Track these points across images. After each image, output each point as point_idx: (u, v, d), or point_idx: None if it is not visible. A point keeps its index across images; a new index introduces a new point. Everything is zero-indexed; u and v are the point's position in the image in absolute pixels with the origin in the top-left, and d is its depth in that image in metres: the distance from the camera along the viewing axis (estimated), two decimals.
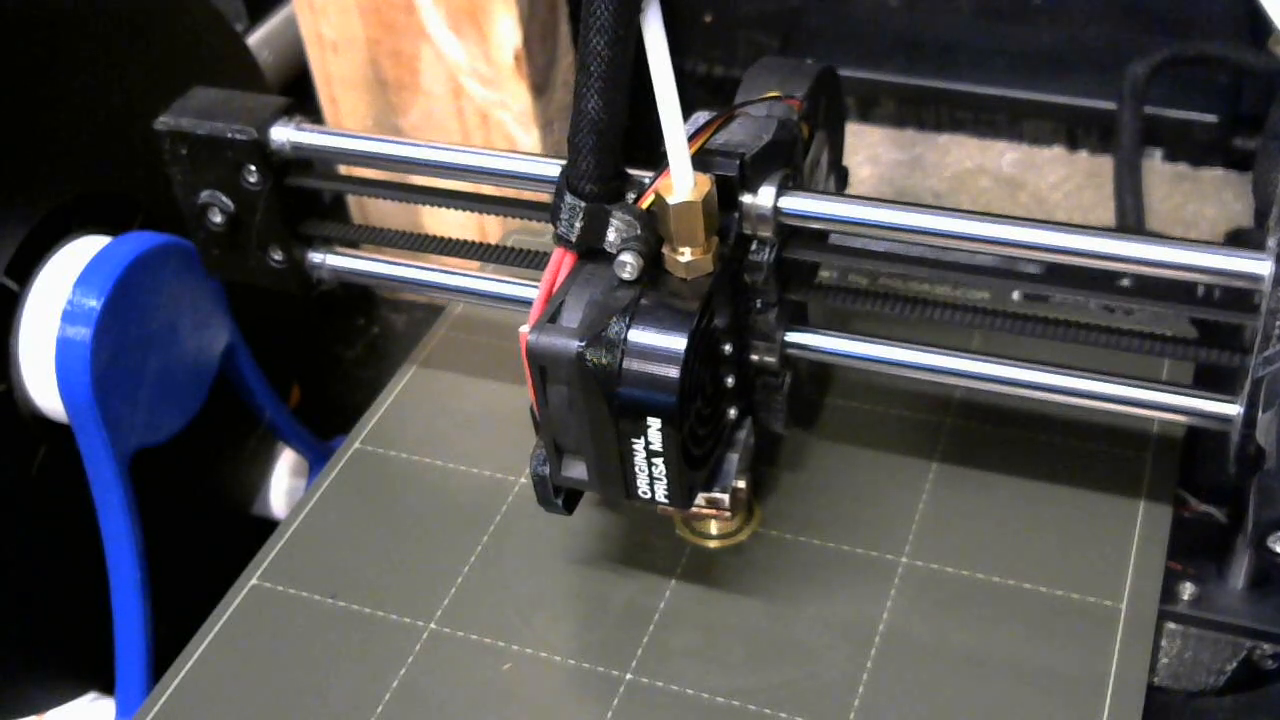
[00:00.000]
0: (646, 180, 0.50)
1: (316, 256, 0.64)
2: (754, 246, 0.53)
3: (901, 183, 1.08)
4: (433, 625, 0.58)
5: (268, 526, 0.64)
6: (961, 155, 0.89)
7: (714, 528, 0.60)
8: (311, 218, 0.64)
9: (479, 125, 0.88)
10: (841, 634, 0.55)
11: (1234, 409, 0.51)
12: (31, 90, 0.66)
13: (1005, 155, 0.89)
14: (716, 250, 0.50)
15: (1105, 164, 0.85)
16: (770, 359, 0.55)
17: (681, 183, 0.48)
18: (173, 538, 0.71)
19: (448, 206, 0.61)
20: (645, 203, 0.49)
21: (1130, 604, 0.55)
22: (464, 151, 0.60)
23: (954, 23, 0.90)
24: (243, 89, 0.63)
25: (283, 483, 0.85)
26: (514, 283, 0.61)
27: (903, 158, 0.90)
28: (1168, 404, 0.53)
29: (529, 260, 0.60)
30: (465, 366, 0.71)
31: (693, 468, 0.50)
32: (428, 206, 0.63)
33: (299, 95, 1.01)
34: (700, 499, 0.52)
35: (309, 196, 0.63)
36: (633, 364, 0.47)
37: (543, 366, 0.48)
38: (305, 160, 0.62)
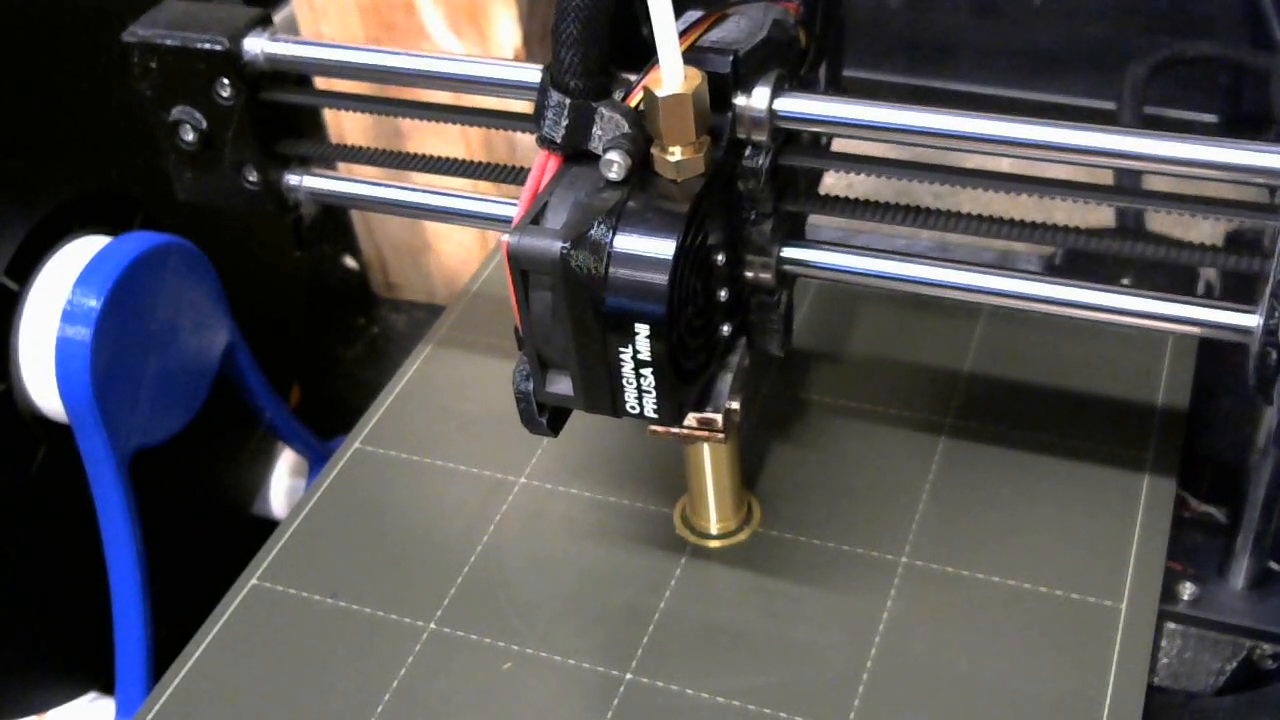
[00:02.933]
0: (634, 80, 0.47)
1: (293, 178, 0.62)
2: (748, 152, 0.50)
3: (902, 182, 1.08)
4: (433, 625, 0.58)
5: (268, 526, 0.64)
6: (961, 155, 0.89)
7: (714, 527, 0.60)
8: (288, 137, 0.61)
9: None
10: (841, 634, 0.55)
11: (1253, 319, 0.49)
12: (31, 90, 0.66)
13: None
14: (708, 151, 0.47)
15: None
16: (766, 275, 0.53)
17: (671, 75, 0.45)
18: (173, 538, 0.71)
19: (428, 119, 0.59)
20: (634, 100, 0.47)
21: (1130, 604, 0.55)
22: (444, 59, 0.57)
23: (954, 23, 0.90)
24: None
25: (283, 483, 0.85)
26: (499, 201, 0.59)
27: (903, 157, 0.90)
28: (1184, 316, 0.50)
29: (513, 176, 0.57)
30: (465, 366, 0.71)
31: (684, 382, 0.48)
32: (410, 137, 0.60)
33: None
34: (692, 419, 0.50)
35: (285, 113, 0.61)
36: (619, 268, 0.45)
37: (524, 271, 0.45)
38: (280, 73, 0.59)
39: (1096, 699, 0.52)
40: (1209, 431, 0.65)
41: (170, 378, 0.69)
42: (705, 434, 0.51)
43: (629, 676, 0.55)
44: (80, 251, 0.66)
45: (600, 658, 0.55)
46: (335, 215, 1.06)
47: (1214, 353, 0.69)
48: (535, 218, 0.46)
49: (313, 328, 0.95)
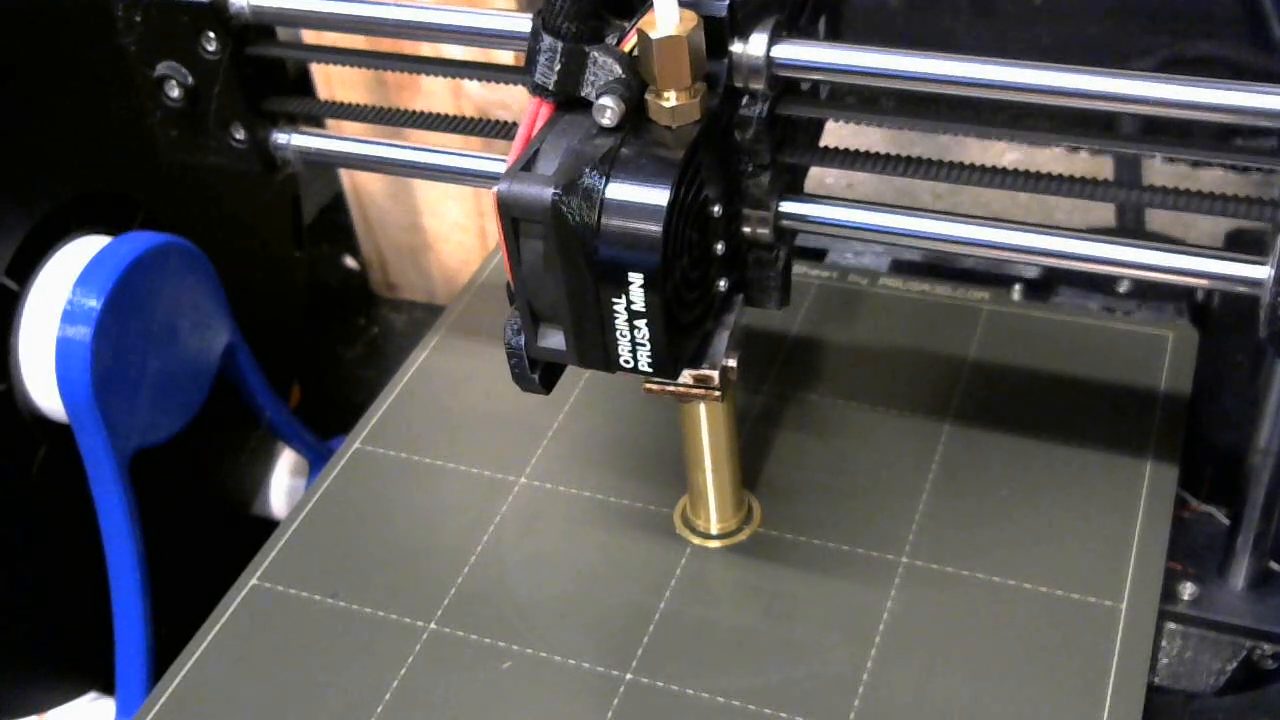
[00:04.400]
0: (628, 25, 0.46)
1: (281, 136, 0.60)
2: (744, 101, 0.49)
3: (902, 182, 1.08)
4: (433, 625, 0.58)
5: (268, 526, 0.64)
6: (961, 155, 0.89)
7: (714, 527, 0.60)
8: (276, 93, 0.60)
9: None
10: (841, 634, 0.55)
11: (1265, 271, 0.48)
12: (31, 90, 0.66)
13: (1005, 155, 0.89)
14: (704, 97, 0.46)
15: (1105, 164, 0.85)
16: (763, 230, 0.52)
17: (666, 16, 0.45)
18: (173, 538, 0.71)
19: (419, 72, 0.58)
20: (628, 45, 0.46)
21: (1130, 604, 0.55)
22: (436, 10, 0.56)
23: (954, 23, 0.90)
24: None
25: (283, 483, 0.85)
26: (490, 158, 0.58)
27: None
28: (1195, 269, 0.49)
29: (506, 131, 0.56)
30: (465, 366, 0.71)
31: (679, 336, 0.47)
32: (401, 99, 0.59)
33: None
34: (688, 376, 0.50)
35: (272, 69, 0.59)
36: (612, 216, 0.44)
37: (515, 219, 0.45)
38: (267, 26, 0.58)
39: (1096, 699, 0.52)
40: (1209, 431, 0.65)
41: (170, 378, 0.69)
42: (701, 391, 0.50)
43: (629, 676, 0.55)
44: (80, 251, 0.66)
45: (600, 658, 0.56)
46: (335, 215, 1.06)
47: (1214, 352, 0.69)
48: (526, 164, 0.45)
49: (313, 328, 0.95)
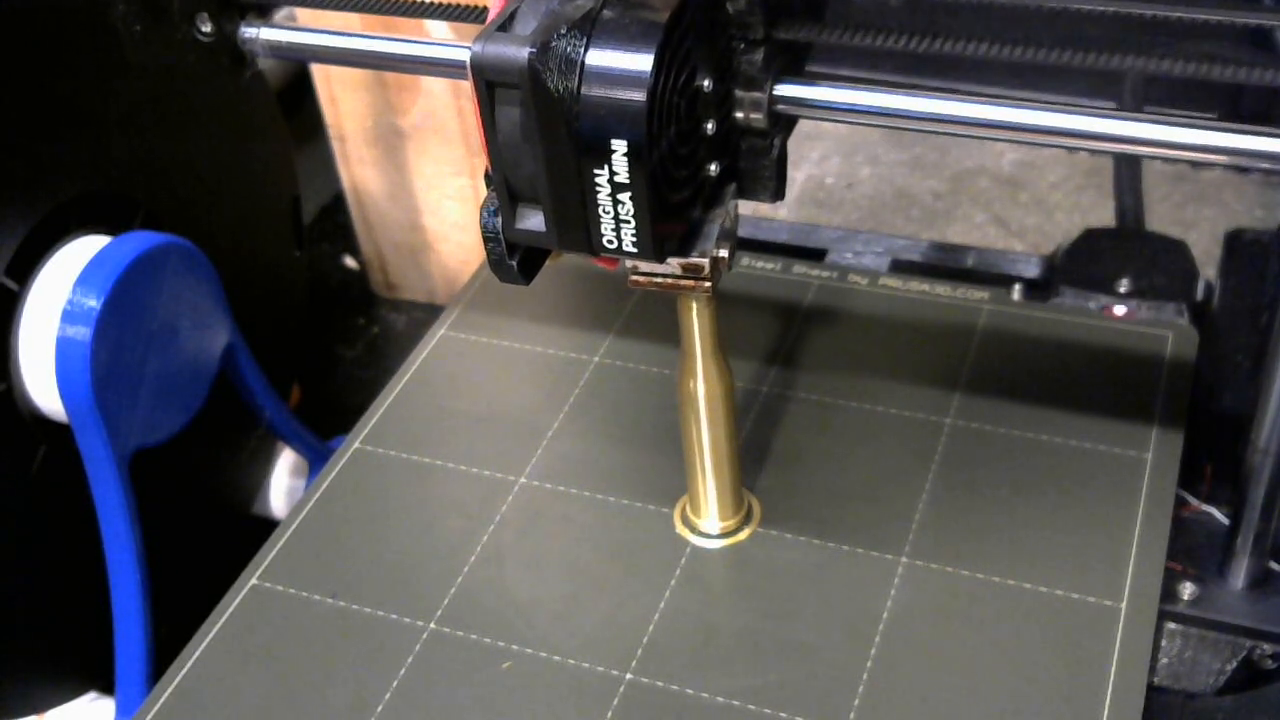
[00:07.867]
0: None
1: (250, 29, 0.59)
2: None
3: (901, 182, 1.08)
4: (433, 625, 0.58)
5: (268, 526, 0.64)
6: (961, 155, 0.89)
7: (714, 527, 0.60)
8: None
9: (479, 125, 0.88)
10: (841, 634, 0.55)
11: None
12: (32, 90, 0.66)
13: (1005, 155, 0.89)
14: None
15: (1105, 164, 0.85)
16: (757, 116, 0.49)
17: None
18: (173, 538, 0.71)
19: None
20: None
21: (1130, 604, 0.55)
22: None
23: (954, 23, 0.90)
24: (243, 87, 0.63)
25: (283, 483, 0.84)
26: (466, 47, 0.54)
27: (903, 158, 0.89)
28: (1216, 144, 0.47)
29: (481, 17, 0.53)
30: (465, 366, 0.71)
31: (666, 215, 0.45)
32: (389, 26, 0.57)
33: (299, 95, 1.01)
34: (676, 265, 0.47)
35: None
36: (593, 80, 0.41)
37: (490, 83, 0.42)
38: None
39: (1096, 699, 0.52)
40: (1209, 431, 0.65)
41: (170, 378, 0.69)
42: (691, 283, 0.48)
43: (629, 676, 0.55)
44: (80, 251, 0.66)
45: (600, 658, 0.56)
46: (335, 215, 1.06)
47: (1214, 352, 0.69)
48: (502, 25, 0.43)
49: (313, 328, 0.95)
